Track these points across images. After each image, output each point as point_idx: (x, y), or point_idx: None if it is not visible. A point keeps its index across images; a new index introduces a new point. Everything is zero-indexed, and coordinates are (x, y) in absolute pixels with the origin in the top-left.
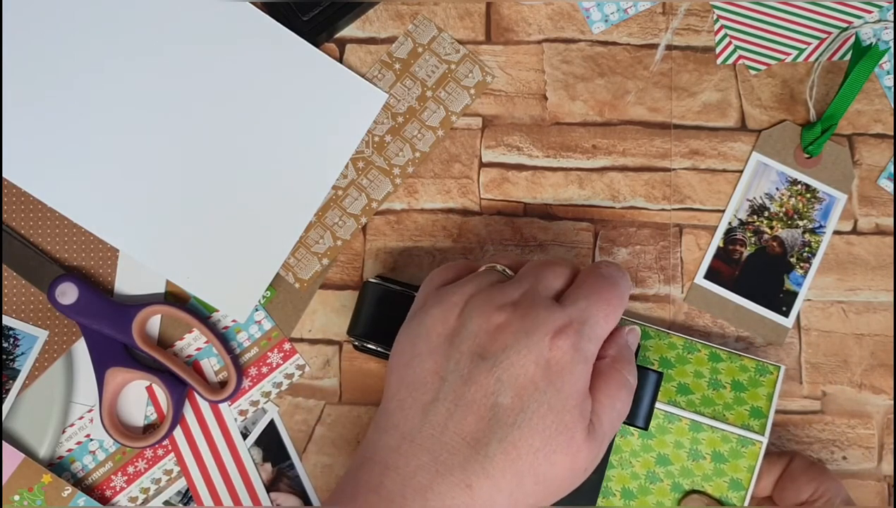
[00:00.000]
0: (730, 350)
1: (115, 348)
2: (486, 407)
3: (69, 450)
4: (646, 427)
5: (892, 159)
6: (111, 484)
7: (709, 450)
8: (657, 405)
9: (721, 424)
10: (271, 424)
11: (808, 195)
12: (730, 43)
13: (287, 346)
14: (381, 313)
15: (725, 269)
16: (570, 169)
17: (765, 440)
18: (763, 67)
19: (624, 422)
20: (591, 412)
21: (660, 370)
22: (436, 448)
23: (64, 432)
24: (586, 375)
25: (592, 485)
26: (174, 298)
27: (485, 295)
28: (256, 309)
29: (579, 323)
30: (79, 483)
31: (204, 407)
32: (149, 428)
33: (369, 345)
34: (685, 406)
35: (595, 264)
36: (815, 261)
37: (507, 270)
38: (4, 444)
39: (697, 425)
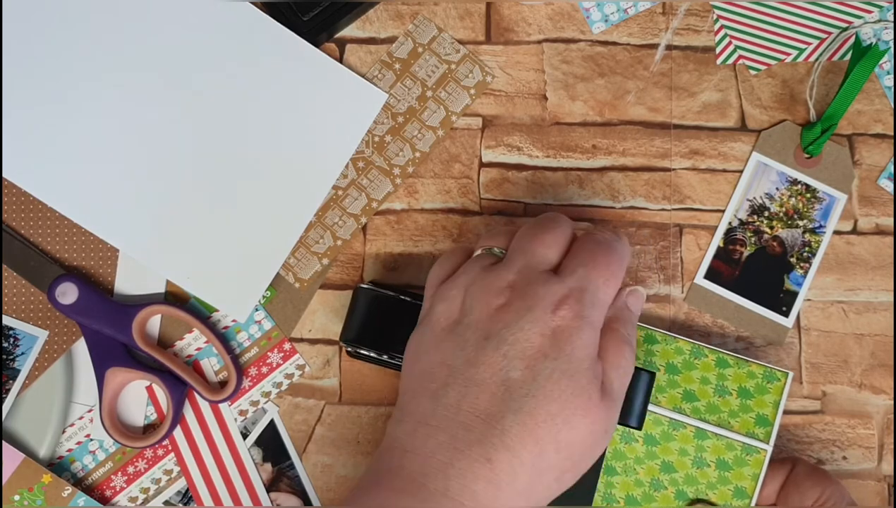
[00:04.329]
0: (738, 355)
1: (115, 348)
2: (496, 383)
3: (69, 450)
4: (639, 427)
5: (892, 159)
6: (111, 484)
7: (713, 458)
8: (663, 412)
9: (726, 432)
10: (271, 424)
11: (808, 195)
12: (730, 43)
13: (287, 346)
14: (374, 318)
15: (725, 269)
16: (570, 169)
17: (769, 448)
18: (763, 67)
19: (618, 422)
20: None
21: (651, 370)
22: (451, 427)
23: (64, 432)
24: (594, 340)
25: (588, 484)
26: (174, 298)
27: (480, 283)
28: (256, 309)
29: (579, 292)
30: (79, 483)
31: (204, 407)
32: (149, 428)
33: (362, 351)
34: (690, 413)
35: (590, 232)
36: (815, 261)
37: (502, 250)
38: (4, 444)
39: (702, 432)
